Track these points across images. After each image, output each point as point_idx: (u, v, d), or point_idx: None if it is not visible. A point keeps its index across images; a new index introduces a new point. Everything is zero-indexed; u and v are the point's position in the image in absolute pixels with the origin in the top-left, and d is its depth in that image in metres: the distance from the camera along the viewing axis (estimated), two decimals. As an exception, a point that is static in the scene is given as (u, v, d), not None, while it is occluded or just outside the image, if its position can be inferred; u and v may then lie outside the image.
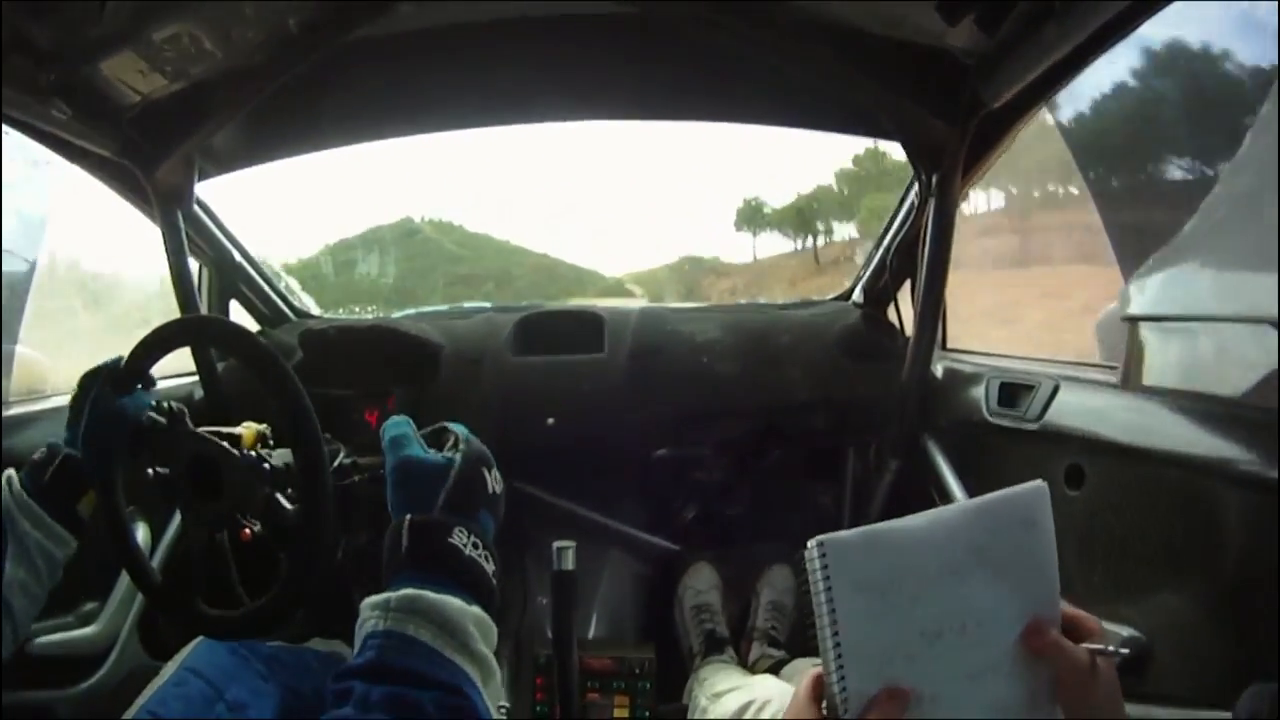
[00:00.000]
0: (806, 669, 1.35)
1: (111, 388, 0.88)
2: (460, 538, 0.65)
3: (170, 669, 1.01)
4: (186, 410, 0.93)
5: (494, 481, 0.72)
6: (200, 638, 1.01)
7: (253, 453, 0.90)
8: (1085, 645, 0.59)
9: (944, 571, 0.58)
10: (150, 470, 0.91)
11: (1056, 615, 0.61)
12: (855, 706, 0.56)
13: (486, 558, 0.66)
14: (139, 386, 0.92)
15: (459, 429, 0.76)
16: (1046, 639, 0.59)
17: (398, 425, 0.75)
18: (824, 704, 0.58)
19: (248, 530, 0.88)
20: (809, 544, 0.56)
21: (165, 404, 0.93)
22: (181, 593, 0.90)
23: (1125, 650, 0.60)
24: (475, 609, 0.62)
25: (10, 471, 0.84)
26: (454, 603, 0.61)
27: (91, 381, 0.90)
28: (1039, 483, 0.62)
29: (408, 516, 0.67)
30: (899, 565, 0.57)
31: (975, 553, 0.59)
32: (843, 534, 0.56)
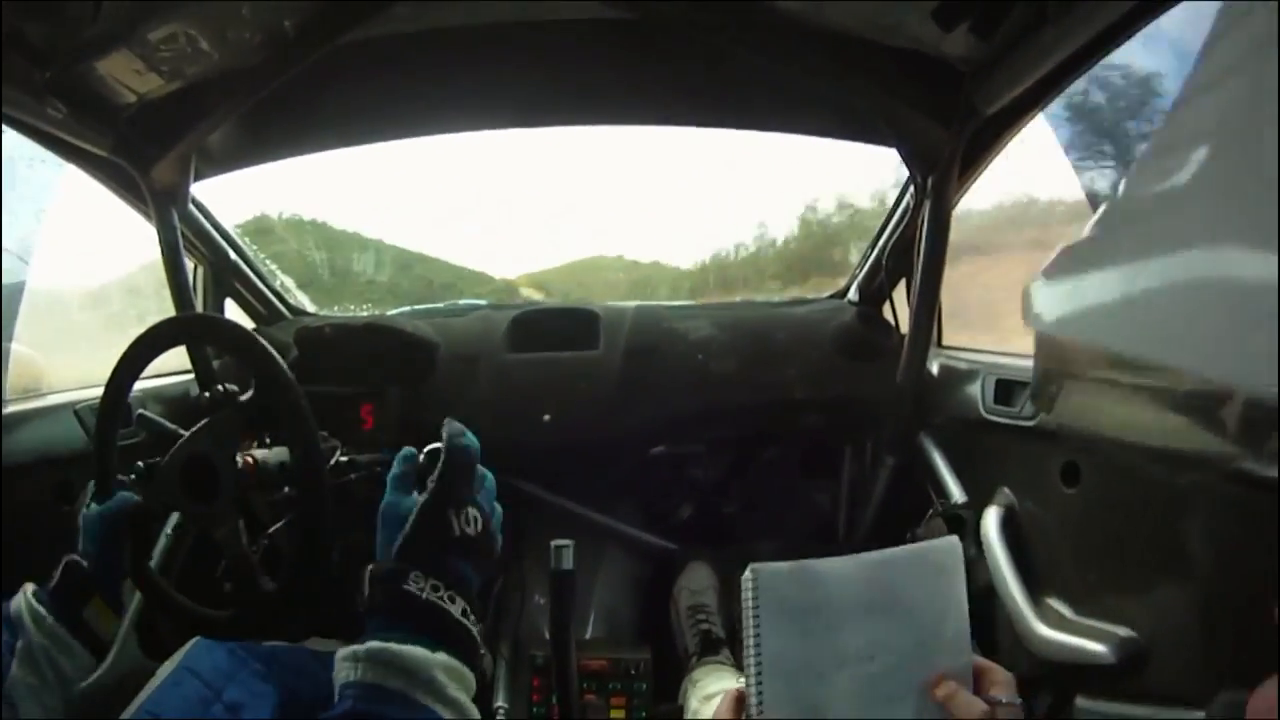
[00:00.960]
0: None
1: (96, 502, 0.91)
2: (416, 584, 0.64)
3: (167, 669, 1.01)
4: (158, 464, 0.94)
5: (463, 523, 0.69)
6: (197, 638, 1.01)
7: (221, 389, 0.91)
8: (984, 695, 0.65)
9: (859, 607, 0.66)
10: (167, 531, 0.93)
11: (966, 661, 0.67)
12: (770, 710, 0.64)
13: (449, 599, 0.65)
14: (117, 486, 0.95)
15: (453, 446, 0.71)
16: (945, 691, 0.65)
17: (400, 462, 0.74)
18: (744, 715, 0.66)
19: (250, 459, 0.89)
20: (746, 571, 0.66)
21: (139, 468, 0.94)
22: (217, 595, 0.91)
23: (1018, 702, 0.65)
24: (440, 655, 0.62)
25: (29, 584, 0.88)
26: (417, 652, 0.61)
27: (84, 497, 0.95)
28: (953, 538, 0.70)
29: (370, 565, 0.68)
30: (820, 597, 0.66)
31: (890, 595, 0.66)
32: (774, 565, 0.66)
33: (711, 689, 1.32)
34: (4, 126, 1.16)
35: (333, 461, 1.06)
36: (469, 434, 0.73)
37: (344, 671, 0.61)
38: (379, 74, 1.37)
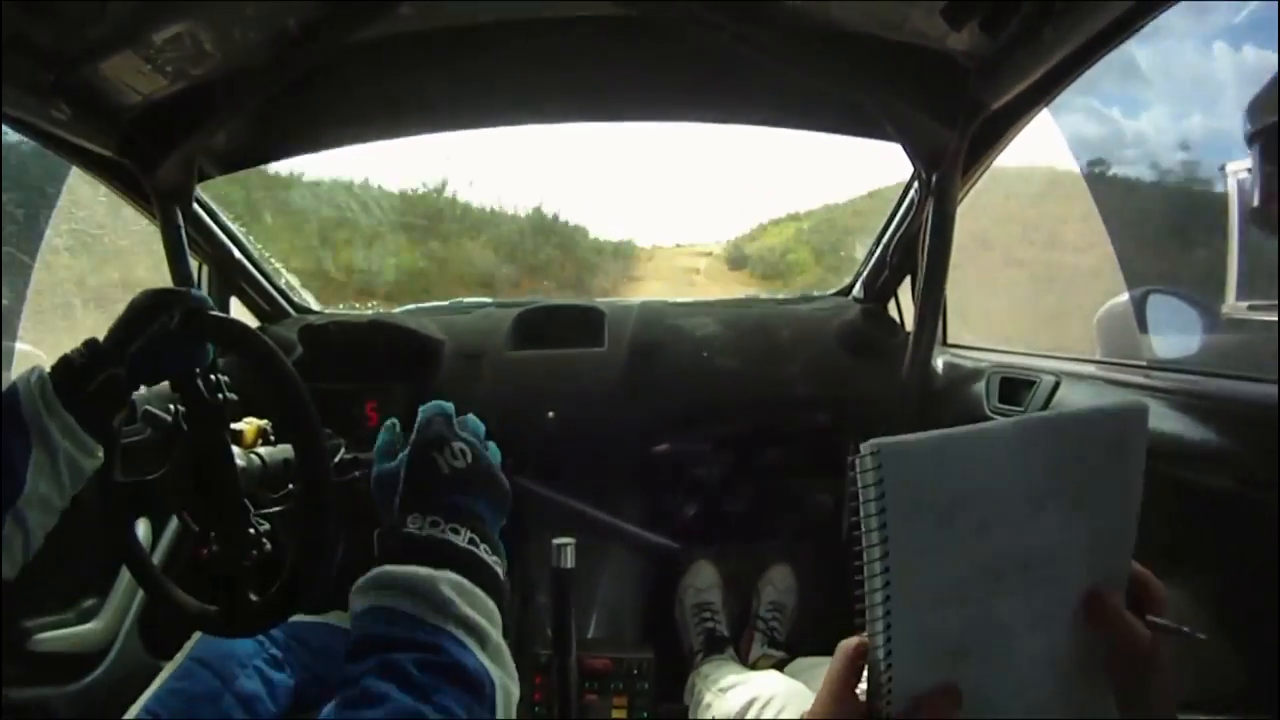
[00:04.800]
0: (809, 668, 1.34)
1: (183, 325, 0.85)
2: (415, 525, 0.65)
3: (179, 659, 0.99)
4: (180, 421, 0.93)
5: (448, 459, 0.68)
6: None
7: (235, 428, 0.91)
8: (1150, 619, 0.51)
9: (1019, 496, 0.48)
10: (149, 477, 0.91)
11: (1125, 569, 0.51)
12: (900, 667, 0.47)
13: (452, 530, 0.65)
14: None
15: (426, 411, 0.72)
16: (1108, 609, 0.50)
17: (385, 431, 0.75)
18: (863, 677, 0.50)
19: (205, 551, 0.88)
20: (862, 448, 0.44)
21: (154, 413, 0.93)
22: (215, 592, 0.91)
23: (1200, 636, 0.50)
24: (446, 573, 0.61)
25: (41, 370, 0.78)
26: (420, 571, 0.61)
27: (156, 303, 0.85)
28: (1139, 400, 0.50)
29: (376, 532, 0.68)
30: (967, 484, 0.46)
31: (1055, 476, 0.48)
32: (906, 438, 0.45)
33: (724, 682, 1.31)
34: (8, 127, 1.17)
35: (337, 459, 1.07)
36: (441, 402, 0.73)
37: (355, 604, 0.61)
38: (383, 72, 1.37)
